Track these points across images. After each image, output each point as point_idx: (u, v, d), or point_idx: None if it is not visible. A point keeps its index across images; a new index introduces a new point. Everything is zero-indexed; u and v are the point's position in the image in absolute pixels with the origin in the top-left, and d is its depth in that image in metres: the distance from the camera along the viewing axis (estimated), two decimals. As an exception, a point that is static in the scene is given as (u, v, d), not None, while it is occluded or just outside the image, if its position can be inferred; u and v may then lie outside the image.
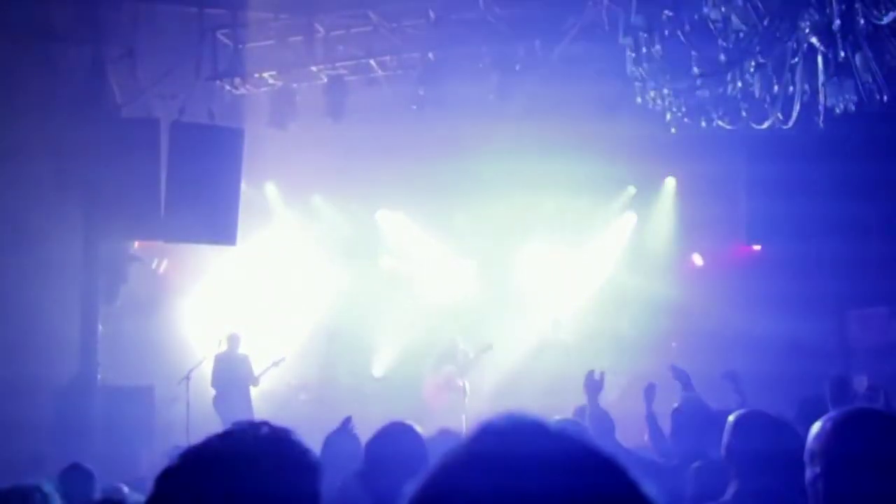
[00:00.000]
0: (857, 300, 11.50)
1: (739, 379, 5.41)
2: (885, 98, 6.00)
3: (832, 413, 2.39)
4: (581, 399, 5.41)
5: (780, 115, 6.22)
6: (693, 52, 5.53)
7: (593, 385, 4.97)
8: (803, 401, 4.80)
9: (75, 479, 4.15)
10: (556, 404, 10.99)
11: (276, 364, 10.67)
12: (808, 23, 5.16)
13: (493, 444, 0.89)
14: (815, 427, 2.37)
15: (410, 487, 0.89)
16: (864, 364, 11.06)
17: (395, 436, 2.88)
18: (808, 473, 2.32)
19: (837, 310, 11.49)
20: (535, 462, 0.86)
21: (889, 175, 10.10)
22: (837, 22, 4.90)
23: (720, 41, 5.34)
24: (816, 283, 11.70)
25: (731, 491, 2.97)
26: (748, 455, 3.06)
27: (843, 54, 5.12)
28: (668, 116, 6.31)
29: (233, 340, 10.68)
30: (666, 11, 5.30)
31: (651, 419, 5.17)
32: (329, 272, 12.90)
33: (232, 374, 10.45)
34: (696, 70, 5.70)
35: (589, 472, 0.87)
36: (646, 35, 5.38)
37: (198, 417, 10.13)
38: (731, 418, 3.51)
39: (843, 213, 10.57)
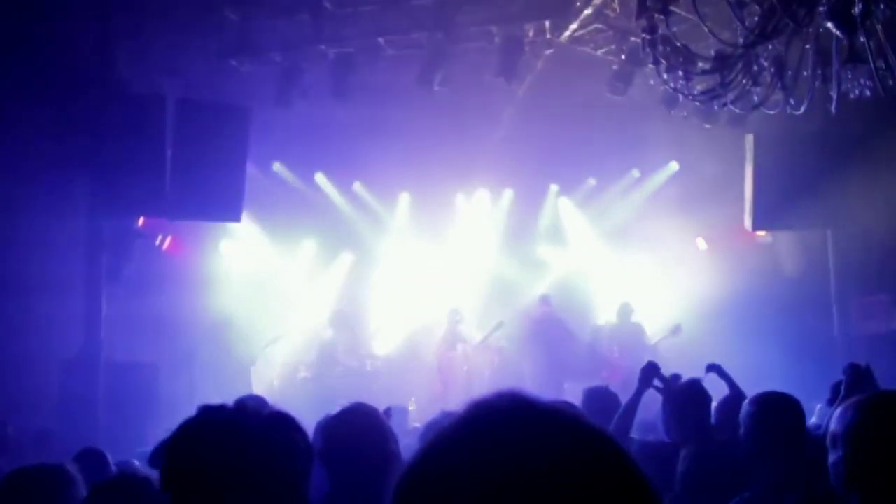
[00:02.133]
0: (859, 288, 11.51)
1: (723, 370, 5.38)
2: (899, 84, 5.97)
3: (855, 398, 2.39)
4: (581, 377, 5.39)
5: (792, 101, 6.20)
6: (711, 35, 5.48)
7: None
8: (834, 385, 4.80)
9: (90, 463, 4.14)
10: (554, 384, 11.11)
11: (273, 342, 10.69)
12: (825, 7, 5.13)
13: (483, 424, 0.87)
14: (838, 411, 2.38)
15: (400, 467, 0.88)
16: (864, 352, 11.10)
17: (355, 418, 2.86)
18: (831, 457, 2.33)
19: (840, 297, 11.50)
20: (524, 443, 0.83)
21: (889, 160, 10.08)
22: (859, 6, 4.85)
23: (738, 24, 5.30)
24: (818, 269, 11.72)
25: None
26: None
27: (862, 39, 5.07)
28: (680, 99, 6.27)
29: (232, 321, 10.76)
30: (682, -7, 5.27)
31: (635, 399, 5.04)
32: (334, 252, 12.90)
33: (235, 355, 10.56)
34: (712, 53, 5.65)
35: (582, 452, 0.85)
36: (662, 17, 5.35)
37: (202, 394, 10.18)
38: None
39: (846, 199, 10.58)
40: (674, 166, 13.23)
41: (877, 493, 2.22)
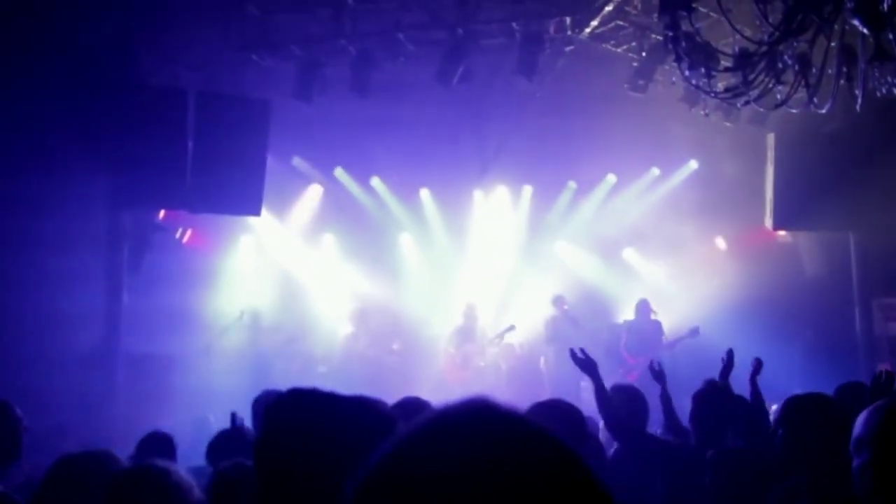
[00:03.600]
0: (881, 289, 11.40)
1: (756, 375, 5.33)
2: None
3: (880, 402, 2.36)
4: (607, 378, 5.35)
5: (815, 99, 6.12)
6: (736, 33, 5.42)
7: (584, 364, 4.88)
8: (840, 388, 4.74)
9: (154, 448, 4.18)
10: (573, 381, 11.08)
11: (292, 340, 10.77)
12: (852, 3, 5.06)
13: (442, 431, 0.86)
14: (862, 415, 2.35)
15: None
16: (887, 353, 11.00)
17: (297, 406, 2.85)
18: (856, 461, 2.30)
19: (861, 299, 11.38)
20: (482, 451, 0.83)
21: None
22: (888, 1, 4.77)
23: (764, 21, 5.23)
24: (841, 271, 11.61)
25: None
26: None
27: (891, 37, 5.00)
28: (702, 97, 6.21)
29: (253, 315, 10.85)
30: (706, -10, 5.21)
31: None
32: (351, 247, 12.92)
33: (256, 349, 10.63)
34: (735, 50, 5.59)
35: (544, 465, 0.84)
36: (685, 14, 5.29)
37: (220, 387, 10.23)
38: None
39: (869, 199, 10.46)
40: (693, 165, 13.13)
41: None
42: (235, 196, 9.73)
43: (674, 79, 6.29)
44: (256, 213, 10.03)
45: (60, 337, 9.05)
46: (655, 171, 13.38)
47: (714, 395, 4.41)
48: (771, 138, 10.67)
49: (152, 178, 9.18)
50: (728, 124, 10.29)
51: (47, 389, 8.64)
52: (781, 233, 11.82)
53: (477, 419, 0.87)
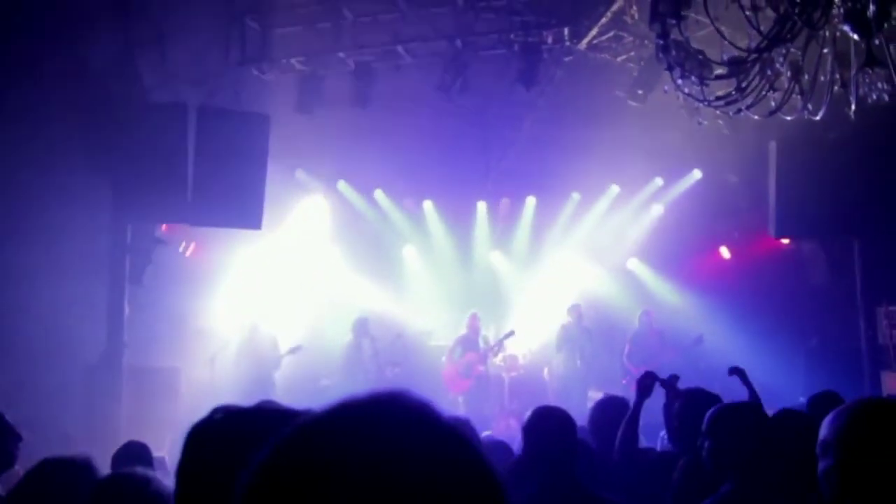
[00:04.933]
0: (887, 296, 11.31)
1: (746, 376, 5.32)
2: (919, 89, 5.87)
3: (845, 404, 2.35)
4: (606, 385, 5.37)
5: (809, 105, 6.11)
6: (725, 40, 5.43)
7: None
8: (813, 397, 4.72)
9: (131, 459, 4.19)
10: (578, 391, 11.05)
11: (293, 352, 10.79)
12: (841, 10, 5.06)
13: (345, 418, 0.86)
14: (828, 418, 2.34)
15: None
16: (893, 361, 10.90)
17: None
18: (822, 464, 2.29)
19: (866, 306, 11.30)
20: (373, 446, 0.82)
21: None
22: (873, 8, 4.78)
23: (752, 28, 5.24)
24: (845, 278, 11.53)
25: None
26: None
27: (877, 42, 4.99)
28: (696, 106, 6.22)
29: (254, 328, 10.85)
30: (695, -2, 5.22)
31: (635, 410, 5.01)
32: (354, 259, 12.95)
33: (256, 362, 10.61)
34: (724, 58, 5.60)
35: (437, 456, 0.83)
36: (674, 22, 5.30)
37: (222, 399, 10.23)
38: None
39: (874, 207, 10.41)
40: (697, 174, 13.11)
41: (868, 500, 2.17)
42: (236, 209, 9.78)
43: (665, 87, 6.29)
44: (257, 226, 10.08)
45: (65, 351, 9.11)
46: (659, 181, 13.37)
47: (690, 401, 4.40)
48: (772, 146, 10.63)
49: (154, 193, 9.25)
50: (726, 132, 10.27)
51: (52, 402, 8.70)
52: (785, 240, 11.76)
53: (382, 409, 0.87)
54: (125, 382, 9.54)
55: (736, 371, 5.36)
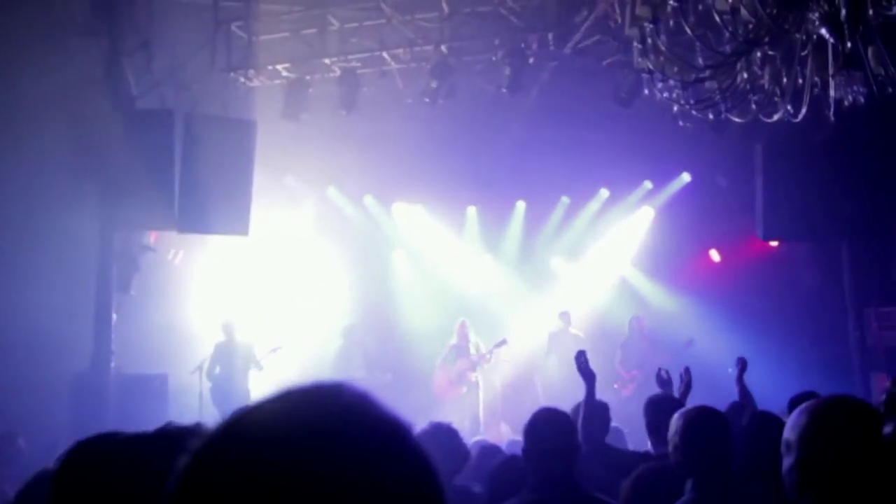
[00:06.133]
0: (877, 297, 11.34)
1: (742, 374, 5.34)
2: (899, 91, 5.90)
3: (807, 402, 2.36)
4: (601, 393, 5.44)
5: (790, 107, 6.13)
6: (698, 44, 5.45)
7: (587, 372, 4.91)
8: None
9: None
10: (570, 397, 11.03)
11: (273, 352, 10.75)
12: (816, 13, 5.09)
13: (273, 413, 0.85)
14: (791, 417, 2.35)
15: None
16: (882, 363, 10.92)
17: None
18: (785, 463, 2.30)
19: (855, 307, 11.32)
20: (304, 441, 0.80)
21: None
22: (844, 12, 4.81)
23: (727, 32, 5.26)
24: (834, 280, 11.56)
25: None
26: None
27: (849, 45, 5.02)
28: (675, 109, 6.24)
29: (228, 328, 10.77)
30: (671, 2, 5.24)
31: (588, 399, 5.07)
32: (344, 265, 12.94)
33: (231, 363, 10.56)
34: (701, 62, 5.62)
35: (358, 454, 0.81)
36: (651, 26, 5.32)
37: (211, 406, 10.23)
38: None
39: (862, 208, 10.44)
40: (686, 177, 13.14)
41: (830, 499, 2.18)
42: (223, 216, 9.79)
43: (646, 90, 6.32)
44: (245, 232, 10.08)
45: (52, 359, 9.10)
46: (648, 185, 13.39)
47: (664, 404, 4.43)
48: (758, 149, 10.67)
49: (140, 199, 9.26)
50: (712, 136, 10.28)
51: (39, 409, 8.68)
52: (774, 243, 11.79)
53: (318, 401, 0.86)
54: (112, 389, 9.52)
55: (741, 363, 5.41)
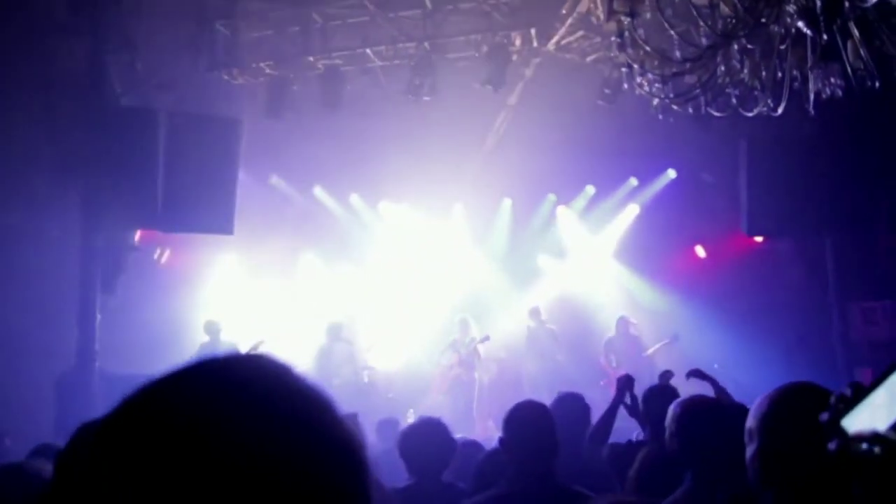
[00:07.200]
0: (861, 293, 11.39)
1: (704, 373, 5.33)
2: (878, 84, 5.93)
3: (769, 391, 2.36)
4: (580, 387, 5.48)
5: (770, 101, 6.15)
6: (676, 38, 5.47)
7: None
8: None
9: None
10: (549, 391, 11.03)
11: (254, 349, 10.71)
12: (793, 6, 5.11)
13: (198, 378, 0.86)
14: (753, 405, 2.36)
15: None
16: (866, 357, 10.98)
17: None
18: (748, 452, 2.30)
19: (839, 302, 11.38)
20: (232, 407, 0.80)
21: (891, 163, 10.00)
22: (819, 4, 4.83)
23: (704, 25, 5.28)
24: (819, 275, 11.61)
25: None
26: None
27: (826, 38, 5.04)
28: (655, 103, 6.25)
29: (211, 328, 10.74)
30: (649, -5, 5.26)
31: (612, 408, 5.10)
32: (331, 263, 12.93)
33: None
34: (678, 55, 5.63)
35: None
36: (629, 19, 5.34)
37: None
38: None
39: (846, 204, 10.48)
40: (671, 174, 13.17)
41: (790, 486, 2.18)
42: (208, 215, 9.75)
43: (625, 85, 6.33)
44: (229, 231, 10.05)
45: (36, 359, 9.07)
46: (633, 181, 13.42)
47: (659, 394, 4.45)
48: (743, 145, 10.70)
49: (124, 199, 9.22)
50: (695, 131, 10.31)
51: (23, 410, 8.65)
52: (758, 238, 11.83)
53: (238, 369, 0.86)
54: (97, 389, 9.48)
55: (694, 374, 5.37)
